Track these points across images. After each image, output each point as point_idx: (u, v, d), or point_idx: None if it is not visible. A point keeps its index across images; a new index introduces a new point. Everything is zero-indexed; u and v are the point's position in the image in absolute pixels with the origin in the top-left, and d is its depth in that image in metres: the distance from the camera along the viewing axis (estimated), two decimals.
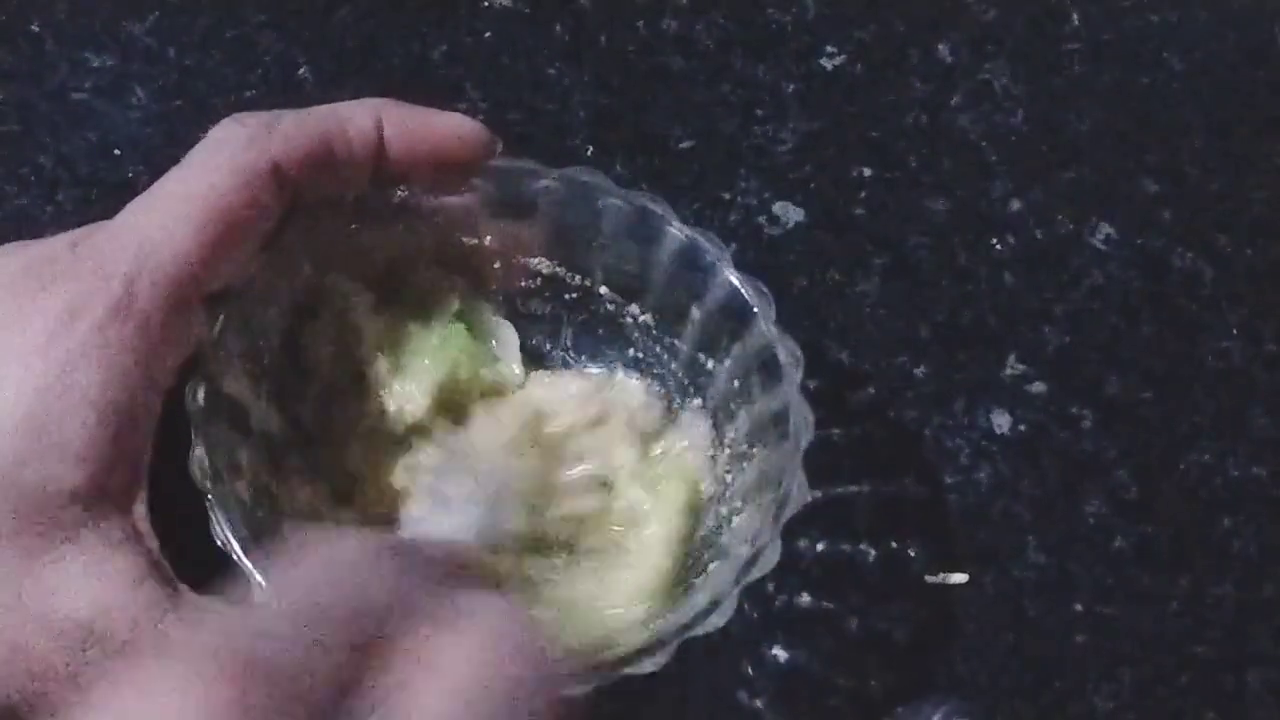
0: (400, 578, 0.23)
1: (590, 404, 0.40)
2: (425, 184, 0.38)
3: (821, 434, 0.36)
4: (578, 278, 0.41)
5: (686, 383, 0.40)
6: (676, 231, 0.38)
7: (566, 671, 0.24)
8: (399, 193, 0.38)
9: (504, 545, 0.33)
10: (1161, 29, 0.55)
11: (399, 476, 0.37)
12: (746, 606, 0.41)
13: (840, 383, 0.46)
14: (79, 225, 0.34)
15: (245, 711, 0.20)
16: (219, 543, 0.32)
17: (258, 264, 0.35)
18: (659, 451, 0.40)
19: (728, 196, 0.50)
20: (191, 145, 0.34)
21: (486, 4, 0.53)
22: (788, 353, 0.37)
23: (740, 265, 0.38)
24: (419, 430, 0.38)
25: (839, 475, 0.44)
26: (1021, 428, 0.46)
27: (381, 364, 0.38)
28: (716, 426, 0.39)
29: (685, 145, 0.51)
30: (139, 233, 0.32)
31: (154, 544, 0.32)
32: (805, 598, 0.42)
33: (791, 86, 0.53)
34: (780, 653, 0.41)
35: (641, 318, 0.41)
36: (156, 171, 0.34)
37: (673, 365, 0.41)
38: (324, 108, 0.36)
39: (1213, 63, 0.55)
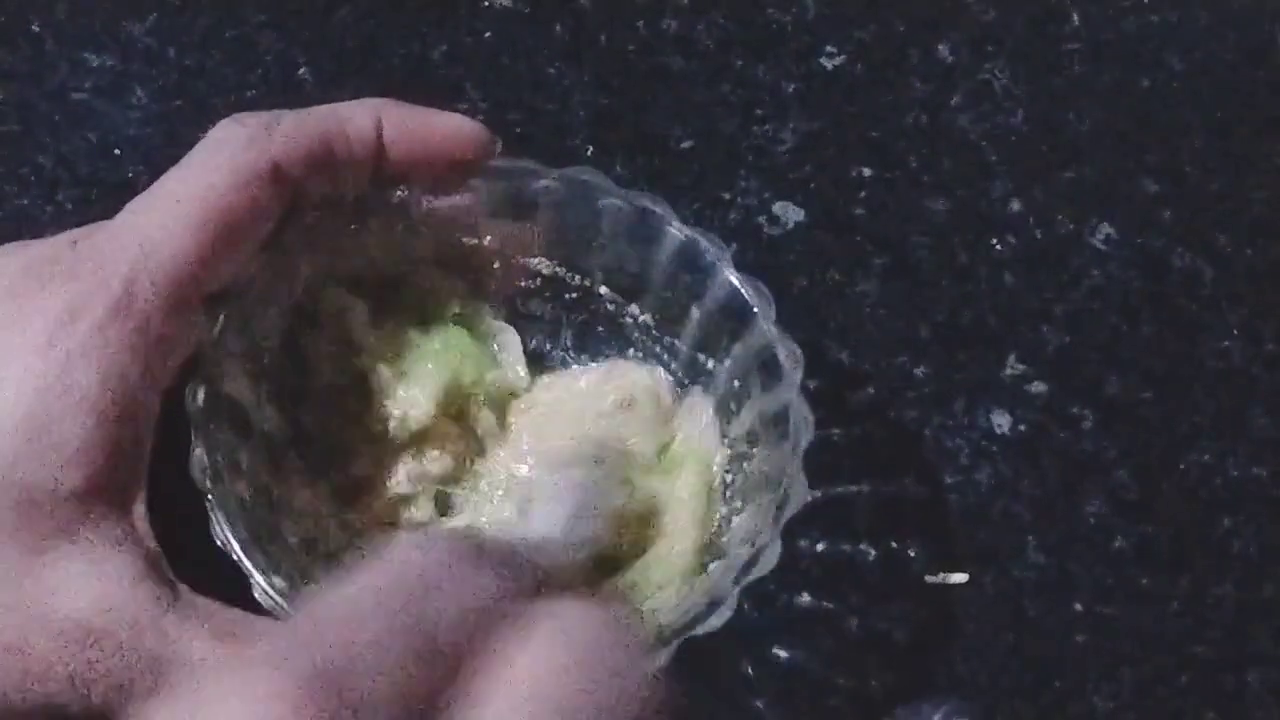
0: (480, 582, 0.22)
1: (609, 391, 0.40)
2: (425, 184, 0.38)
3: (821, 434, 0.36)
4: (578, 278, 0.41)
5: (687, 383, 0.41)
6: (676, 231, 0.38)
7: (655, 670, 0.23)
8: (399, 193, 0.38)
9: (583, 549, 0.32)
10: (1161, 29, 0.55)
11: (403, 481, 0.37)
12: (746, 606, 0.41)
13: (840, 383, 0.46)
14: (79, 225, 0.34)
15: None
16: (219, 543, 0.32)
17: (258, 264, 0.35)
18: (676, 435, 0.40)
19: (728, 196, 0.50)
20: (191, 145, 0.34)
21: (486, 4, 0.53)
22: (788, 353, 0.37)
23: (740, 265, 0.38)
24: (423, 436, 0.38)
25: (839, 475, 0.44)
26: (1021, 428, 0.46)
27: (383, 369, 0.38)
28: (717, 425, 0.40)
29: (685, 145, 0.51)
30: (139, 233, 0.32)
31: (153, 544, 0.32)
32: (805, 598, 0.42)
33: (791, 86, 0.53)
34: (780, 653, 0.41)
35: (641, 318, 0.41)
36: (156, 171, 0.34)
37: (673, 365, 0.41)
38: (324, 108, 0.36)
39: (1213, 63, 0.55)
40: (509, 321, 0.41)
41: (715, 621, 0.33)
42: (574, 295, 0.41)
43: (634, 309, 0.41)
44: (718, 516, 0.38)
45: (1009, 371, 0.47)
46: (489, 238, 0.40)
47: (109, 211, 0.34)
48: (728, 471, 0.39)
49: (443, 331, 0.39)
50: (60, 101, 0.50)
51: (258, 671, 0.20)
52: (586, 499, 0.33)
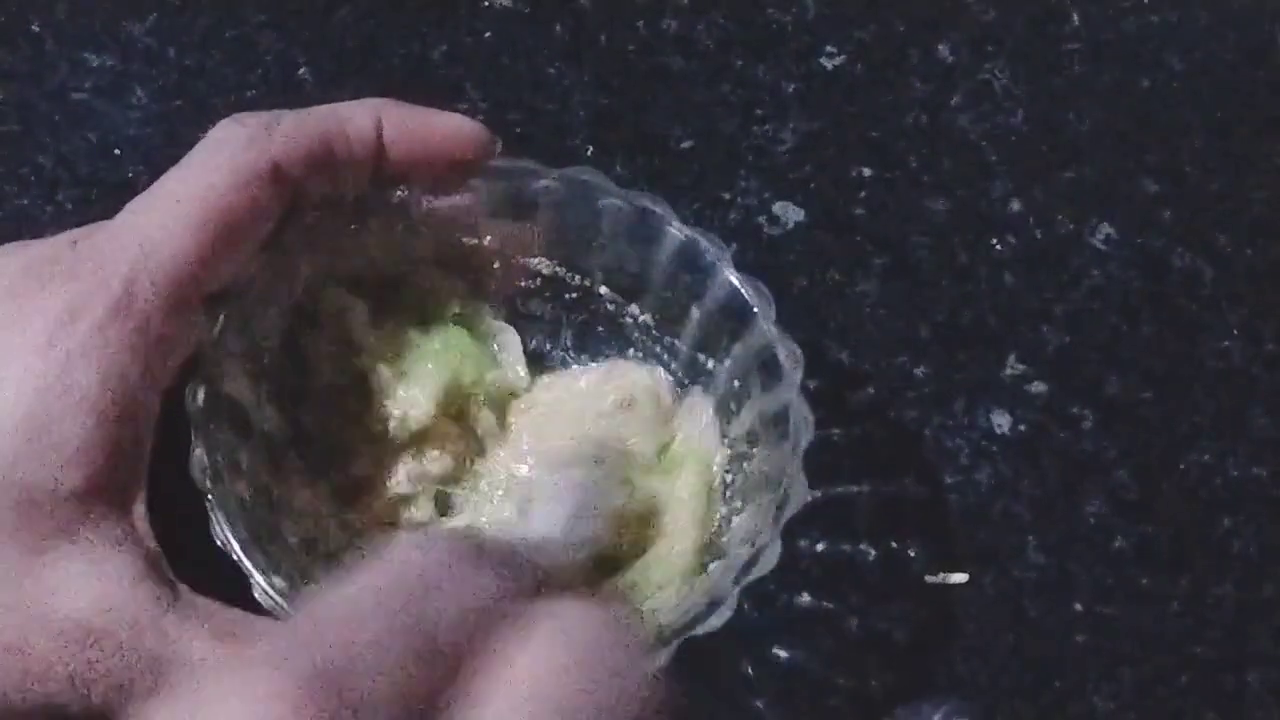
0: (480, 582, 0.22)
1: (609, 391, 0.40)
2: (425, 184, 0.38)
3: (821, 434, 0.36)
4: (578, 278, 0.41)
5: (687, 383, 0.41)
6: (676, 231, 0.38)
7: (655, 670, 0.23)
8: (399, 193, 0.38)
9: (583, 550, 0.32)
10: (1161, 29, 0.55)
11: (403, 481, 0.37)
12: (746, 606, 0.41)
13: (840, 383, 0.46)
14: (79, 225, 0.34)
15: None
16: (219, 543, 0.32)
17: (257, 264, 0.35)
18: (676, 435, 0.40)
19: (728, 196, 0.50)
20: (191, 145, 0.34)
21: (486, 4, 0.53)
22: (788, 353, 0.37)
23: (740, 265, 0.38)
24: (423, 436, 0.38)
25: (839, 475, 0.44)
26: (1021, 428, 0.46)
27: (383, 369, 0.38)
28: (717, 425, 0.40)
29: (685, 145, 0.51)
30: (139, 232, 0.32)
31: (153, 544, 0.32)
32: (805, 598, 0.42)
33: (791, 86, 0.53)
34: (780, 653, 0.41)
35: (641, 318, 0.41)
36: (156, 171, 0.34)
37: (673, 365, 0.41)
38: (324, 108, 0.36)
39: (1213, 63, 0.55)
40: (509, 321, 0.41)
41: (715, 621, 0.33)
42: (574, 295, 0.41)
43: (634, 309, 0.41)
44: (718, 516, 0.38)
45: (1009, 371, 0.47)
46: (489, 238, 0.40)
47: (109, 211, 0.34)
48: (728, 471, 0.39)
49: (443, 331, 0.39)
50: (60, 101, 0.50)
51: (257, 671, 0.20)
52: (586, 499, 0.33)
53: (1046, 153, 0.52)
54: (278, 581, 0.32)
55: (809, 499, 0.35)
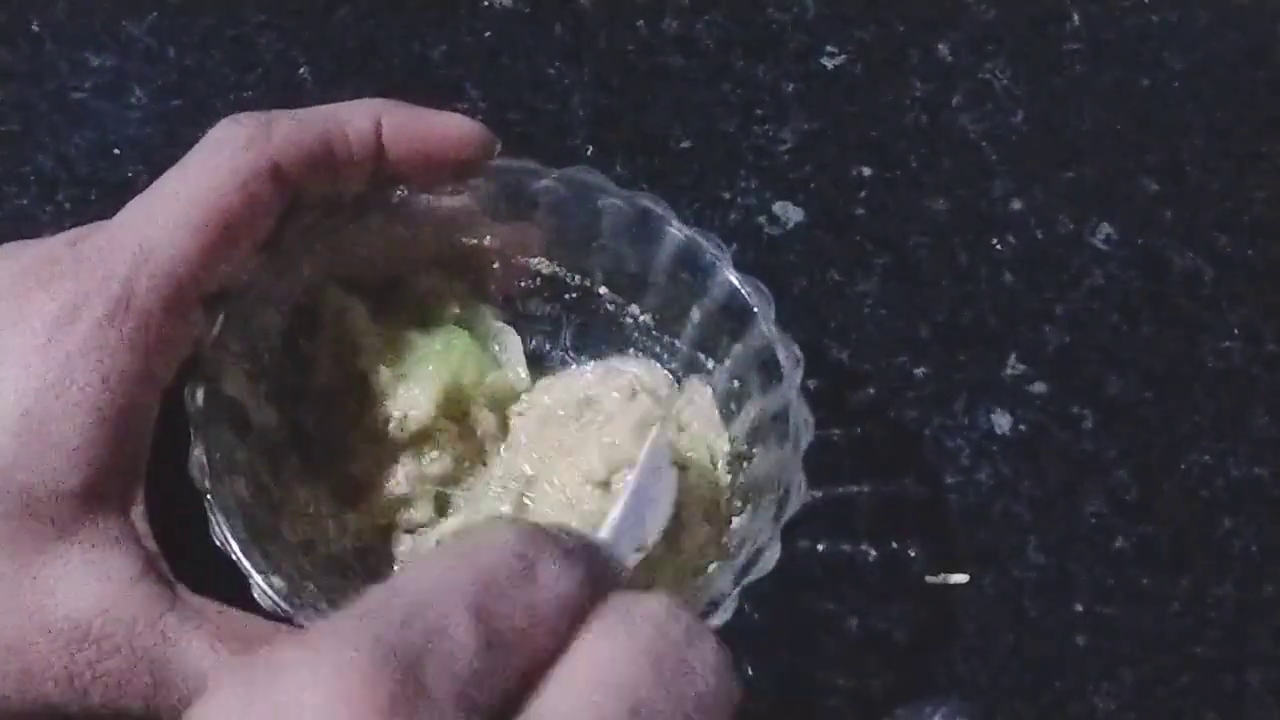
0: (556, 572, 0.23)
1: (611, 391, 0.40)
2: (425, 184, 0.38)
3: (821, 434, 0.36)
4: (578, 278, 0.41)
5: (682, 377, 0.40)
6: (676, 231, 0.38)
7: (727, 667, 0.23)
8: (399, 193, 0.38)
9: (644, 550, 0.33)
10: (1161, 29, 0.55)
11: (401, 483, 0.37)
12: (747, 607, 0.41)
13: (840, 383, 0.46)
14: (79, 225, 0.34)
15: (395, 703, 0.19)
16: (218, 543, 0.32)
17: (257, 264, 0.35)
18: (683, 424, 0.40)
19: (728, 196, 0.50)
20: (191, 145, 0.34)
21: (486, 4, 0.53)
22: (788, 353, 0.37)
23: (740, 265, 0.38)
24: (423, 436, 0.38)
25: (839, 475, 0.44)
26: (1022, 428, 0.46)
27: (383, 369, 0.38)
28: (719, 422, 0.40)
29: (685, 145, 0.51)
30: (138, 233, 0.32)
31: (152, 544, 0.32)
32: (805, 598, 0.42)
33: (791, 86, 0.53)
34: (780, 653, 0.41)
35: (641, 318, 0.41)
36: (156, 171, 0.34)
37: (673, 365, 0.41)
38: (323, 108, 0.36)
39: (1213, 63, 0.55)
40: (509, 322, 0.41)
41: (715, 622, 0.33)
42: (574, 295, 0.41)
43: (634, 309, 0.41)
44: (725, 507, 0.38)
45: (1009, 371, 0.47)
46: (489, 238, 0.40)
47: (109, 211, 0.34)
48: (728, 472, 0.39)
49: (443, 332, 0.39)
50: (60, 101, 0.50)
51: (329, 646, 0.20)
52: (655, 498, 0.34)
53: (1047, 153, 0.52)
54: (277, 581, 0.32)
55: (809, 499, 0.35)
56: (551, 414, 0.39)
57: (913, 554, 0.43)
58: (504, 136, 0.38)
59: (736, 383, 0.39)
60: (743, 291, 0.38)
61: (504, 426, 0.39)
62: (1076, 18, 0.55)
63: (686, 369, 0.40)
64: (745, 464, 0.38)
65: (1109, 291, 0.49)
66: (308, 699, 0.19)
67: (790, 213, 0.50)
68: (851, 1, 0.55)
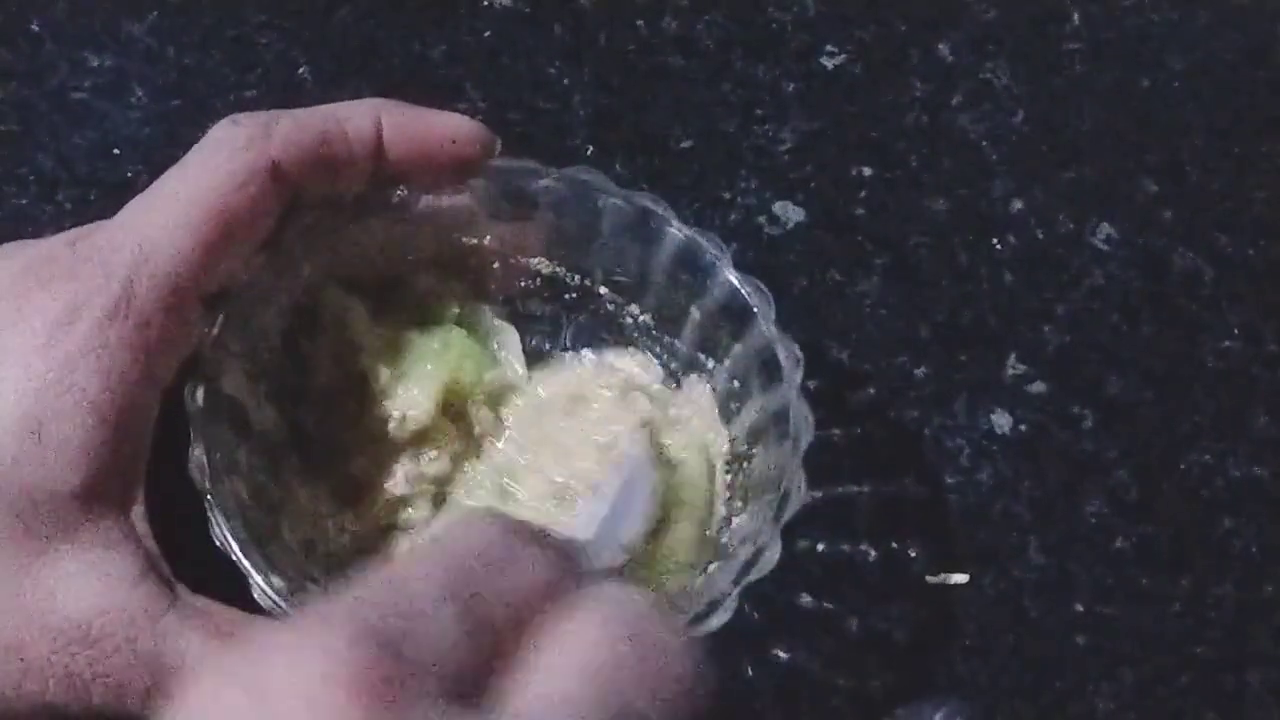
0: (536, 560, 0.23)
1: (604, 385, 0.40)
2: (425, 184, 0.38)
3: (821, 434, 0.36)
4: (578, 278, 0.41)
5: (682, 376, 0.40)
6: (676, 231, 0.38)
7: (699, 651, 0.24)
8: (399, 193, 0.38)
9: (627, 549, 0.33)
10: (1161, 29, 0.55)
11: (400, 483, 0.37)
12: (747, 607, 0.41)
13: (840, 383, 0.46)
14: (78, 225, 0.34)
15: (381, 683, 0.20)
16: (218, 543, 0.32)
17: (257, 264, 0.35)
18: (676, 423, 0.40)
19: (728, 196, 0.50)
20: (191, 145, 0.34)
21: (486, 4, 0.53)
22: (788, 353, 0.37)
23: (740, 265, 0.38)
24: (422, 436, 0.38)
25: (839, 475, 0.44)
26: (1022, 428, 0.46)
27: (383, 369, 0.38)
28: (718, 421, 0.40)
29: (685, 145, 0.51)
30: (138, 233, 0.32)
31: (152, 544, 0.32)
32: (805, 598, 0.42)
33: (791, 86, 0.53)
34: (780, 653, 0.41)
35: (641, 318, 0.41)
36: (156, 171, 0.34)
37: (673, 365, 0.41)
38: (323, 108, 0.36)
39: (1213, 63, 0.55)
40: (509, 321, 0.41)
41: (715, 622, 0.33)
42: (574, 295, 0.41)
43: (634, 309, 0.41)
44: (720, 507, 0.38)
45: (1009, 371, 0.47)
46: (489, 238, 0.40)
47: (108, 211, 0.34)
48: (728, 471, 0.39)
49: (441, 331, 0.39)
50: (60, 101, 0.50)
51: (315, 631, 0.20)
52: (632, 498, 0.34)
53: (1047, 153, 0.52)
54: (276, 581, 0.32)
55: (809, 499, 0.35)
56: (543, 406, 0.39)
57: (913, 554, 0.43)
58: (504, 136, 0.38)
59: (736, 382, 0.39)
60: (743, 291, 0.38)
61: (500, 421, 0.39)
62: (1076, 18, 0.55)
63: (686, 369, 0.40)
64: (745, 464, 0.38)
65: (1109, 291, 0.49)
66: (294, 680, 0.20)
67: (790, 213, 0.50)
68: (851, 1, 0.55)
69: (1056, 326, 0.48)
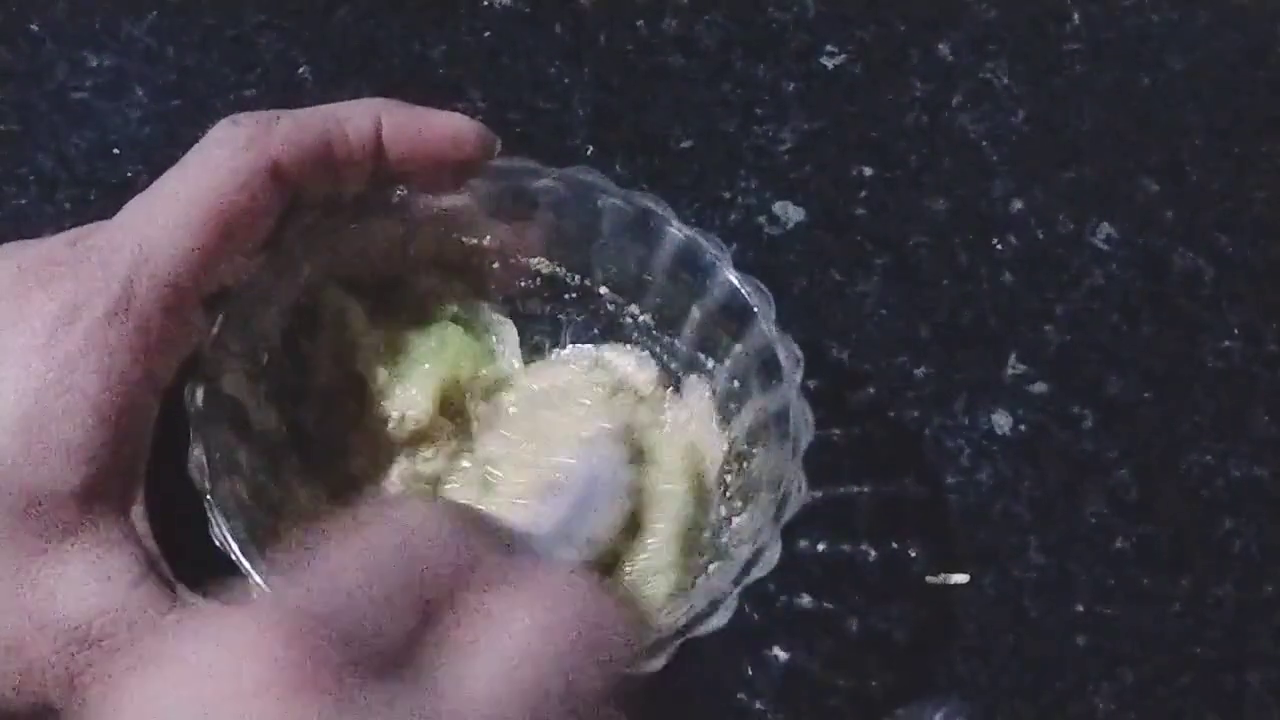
0: (465, 540, 0.24)
1: (596, 381, 0.40)
2: (425, 184, 0.38)
3: (821, 434, 0.36)
4: (578, 278, 0.41)
5: (681, 376, 0.40)
6: (676, 231, 0.38)
7: (630, 639, 0.24)
8: (399, 193, 0.38)
9: (593, 546, 0.33)
10: (1161, 29, 0.55)
11: (395, 482, 0.37)
12: (747, 607, 0.41)
13: (840, 383, 0.46)
14: (78, 225, 0.34)
15: (312, 666, 0.20)
16: (218, 543, 0.32)
17: (257, 264, 0.35)
18: (665, 424, 0.40)
19: (728, 196, 0.50)
20: (191, 145, 0.34)
21: (486, 4, 0.53)
22: (788, 353, 0.37)
23: (740, 265, 0.38)
24: (421, 435, 0.38)
25: (839, 475, 0.44)
26: (1022, 428, 0.46)
27: (382, 369, 0.38)
28: (716, 424, 0.39)
29: (685, 145, 0.51)
30: (138, 233, 0.32)
31: (152, 544, 0.32)
32: (805, 598, 0.42)
33: (791, 86, 0.53)
34: (780, 653, 0.41)
35: (641, 318, 0.41)
36: (156, 171, 0.34)
37: (673, 365, 0.41)
38: (323, 108, 0.36)
39: (1213, 63, 0.55)
40: (508, 318, 0.41)
41: (715, 622, 0.33)
42: (574, 295, 0.41)
43: (634, 309, 0.41)
44: (719, 510, 0.38)
45: (1009, 371, 0.47)
46: (489, 238, 0.40)
47: (108, 211, 0.34)
48: (727, 471, 0.39)
49: (439, 329, 0.39)
50: (60, 101, 0.50)
51: (247, 611, 0.21)
52: (596, 492, 0.34)
53: (1047, 153, 0.52)
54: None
55: (809, 499, 0.35)
56: (534, 399, 0.39)
57: (913, 554, 0.43)
58: (504, 136, 0.38)
59: (736, 383, 0.39)
60: (743, 291, 0.38)
61: (496, 413, 0.39)
62: (1077, 18, 0.55)
63: (686, 369, 0.40)
64: (745, 464, 0.38)
65: (1109, 291, 0.49)
66: (223, 658, 0.20)
67: (790, 213, 0.50)
68: (851, 1, 0.55)
69: (1057, 326, 0.48)
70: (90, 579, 0.30)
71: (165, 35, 0.51)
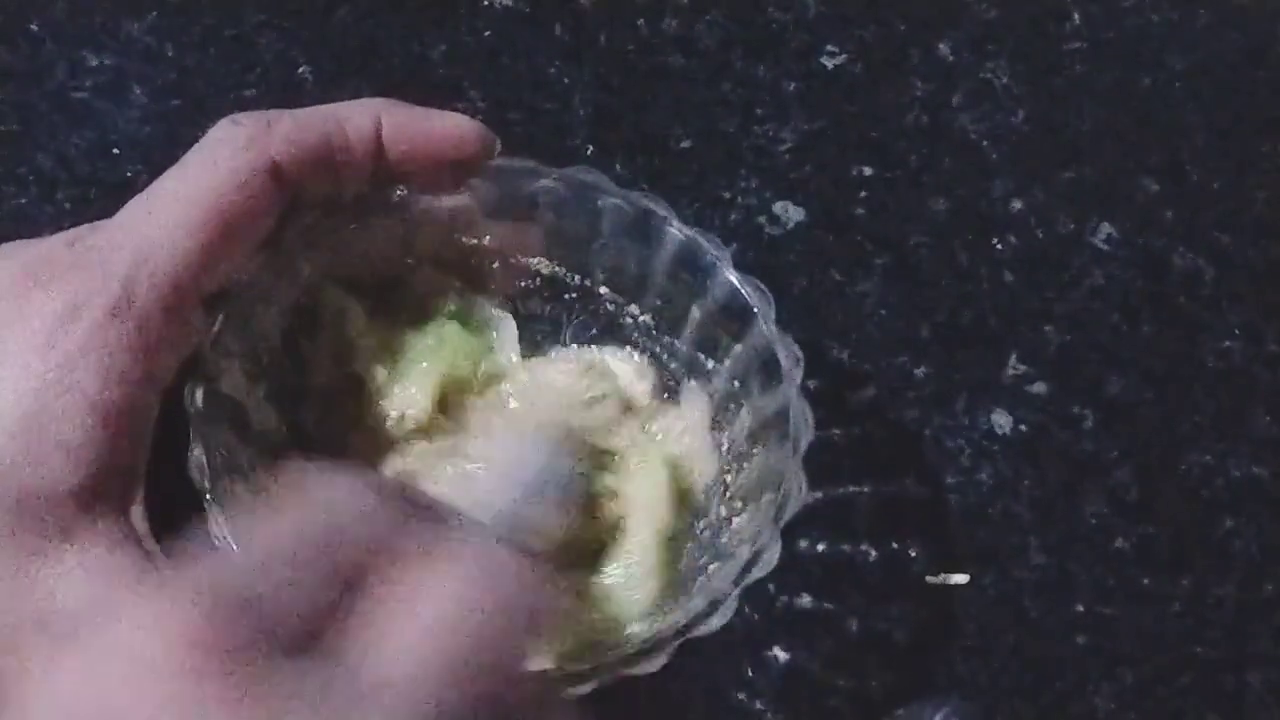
0: (379, 514, 0.24)
1: (586, 385, 0.40)
2: (425, 184, 0.38)
3: (821, 434, 0.36)
4: (578, 278, 0.41)
5: (682, 377, 0.40)
6: (676, 231, 0.38)
7: (546, 619, 0.24)
8: (399, 193, 0.38)
9: (536, 535, 0.33)
10: (1161, 29, 0.55)
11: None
12: (747, 608, 0.41)
13: (840, 383, 0.46)
14: (78, 225, 0.34)
15: (216, 644, 0.21)
16: (218, 543, 0.32)
17: (257, 264, 0.35)
18: (656, 432, 0.40)
19: (728, 196, 0.50)
20: (191, 145, 0.34)
21: (486, 4, 0.53)
22: (788, 353, 0.37)
23: (740, 265, 0.38)
24: (420, 434, 0.38)
25: (839, 475, 0.44)
26: (1022, 428, 0.46)
27: (381, 369, 0.38)
28: (716, 425, 0.39)
29: (685, 145, 0.51)
30: (137, 233, 0.32)
31: (152, 544, 0.32)
32: (805, 598, 0.42)
33: (791, 86, 0.53)
34: (780, 653, 0.41)
35: (641, 318, 0.41)
36: (156, 171, 0.34)
37: (673, 365, 0.41)
38: (323, 108, 0.36)
39: (1213, 63, 0.55)
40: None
41: (716, 623, 0.33)
42: (574, 295, 0.41)
43: (634, 309, 0.41)
44: (699, 521, 0.38)
45: (1009, 371, 0.47)
46: (489, 237, 0.40)
47: (108, 211, 0.34)
48: (728, 471, 0.39)
49: (436, 327, 0.39)
50: (60, 101, 0.50)
51: (159, 589, 0.22)
52: (539, 480, 0.34)
53: (1047, 152, 0.52)
54: None
55: (809, 499, 0.35)
56: (525, 392, 0.39)
57: (913, 554, 0.43)
58: (504, 136, 0.38)
59: (736, 383, 0.39)
60: (743, 291, 0.38)
61: (488, 407, 0.39)
62: (1077, 17, 0.55)
63: (686, 369, 0.40)
64: (745, 464, 0.38)
65: (1109, 291, 0.49)
66: (136, 639, 0.21)
67: (790, 213, 0.50)
68: (851, 1, 0.55)
69: (1057, 326, 0.48)
70: (89, 579, 0.30)
71: (165, 35, 0.51)
